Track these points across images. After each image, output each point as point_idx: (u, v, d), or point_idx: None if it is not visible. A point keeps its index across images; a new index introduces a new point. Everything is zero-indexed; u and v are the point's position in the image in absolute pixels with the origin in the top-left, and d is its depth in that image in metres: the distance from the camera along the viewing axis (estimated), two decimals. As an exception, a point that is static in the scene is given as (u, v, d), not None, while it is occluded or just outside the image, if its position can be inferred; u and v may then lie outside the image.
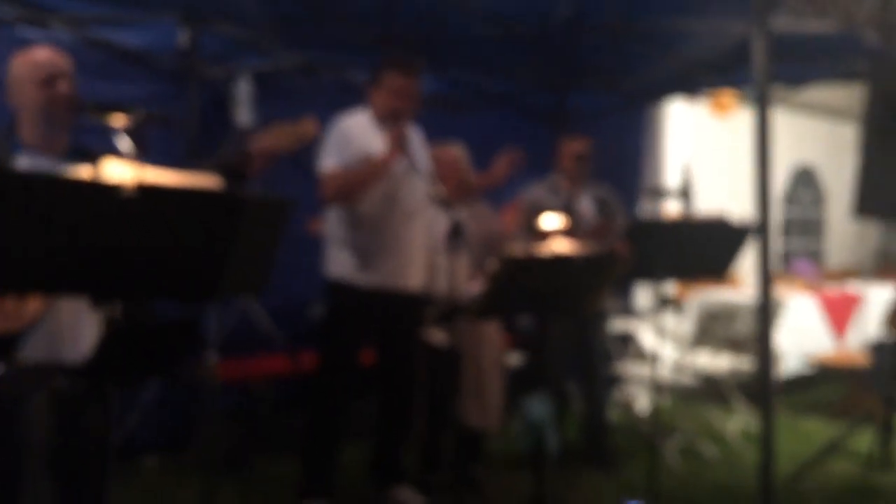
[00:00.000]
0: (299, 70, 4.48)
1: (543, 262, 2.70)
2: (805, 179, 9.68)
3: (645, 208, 5.56)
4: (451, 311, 2.68)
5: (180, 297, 1.78)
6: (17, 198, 1.54)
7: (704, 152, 6.17)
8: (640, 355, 5.24)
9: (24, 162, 2.35)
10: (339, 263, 3.45)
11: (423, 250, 3.54)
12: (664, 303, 3.19)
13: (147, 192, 1.60)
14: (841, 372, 5.81)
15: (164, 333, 1.89)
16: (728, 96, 6.08)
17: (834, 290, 6.50)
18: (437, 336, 3.62)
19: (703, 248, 3.36)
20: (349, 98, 3.66)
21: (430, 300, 2.92)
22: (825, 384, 6.06)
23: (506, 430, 4.04)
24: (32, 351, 2.22)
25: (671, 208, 4.82)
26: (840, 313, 6.22)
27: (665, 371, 5.15)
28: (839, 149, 9.04)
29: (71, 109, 2.38)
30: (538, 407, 2.76)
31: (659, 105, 5.82)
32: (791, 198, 9.52)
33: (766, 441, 3.08)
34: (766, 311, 3.06)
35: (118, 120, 1.90)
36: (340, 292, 3.45)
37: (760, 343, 3.09)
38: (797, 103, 8.36)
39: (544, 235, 3.43)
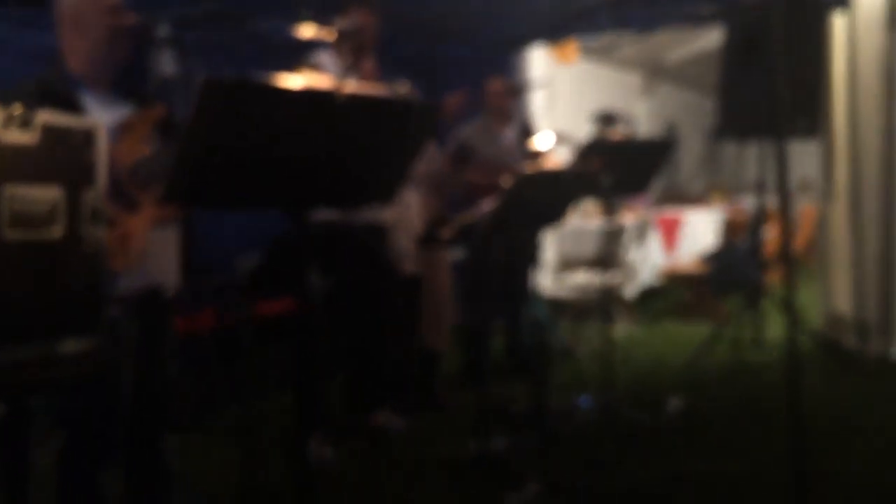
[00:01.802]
0: (218, 20, 4.40)
1: (547, 176, 3.05)
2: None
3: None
4: (469, 227, 2.95)
5: (356, 202, 1.92)
6: (238, 104, 1.58)
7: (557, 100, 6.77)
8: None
9: (82, 97, 2.29)
10: None
11: None
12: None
13: (356, 100, 1.74)
14: (683, 281, 6.74)
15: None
16: (572, 45, 6.69)
17: (662, 214, 7.44)
18: (402, 264, 3.85)
19: (637, 165, 3.86)
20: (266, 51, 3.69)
21: (444, 220, 3.16)
22: (670, 292, 6.99)
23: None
24: (128, 283, 2.22)
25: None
26: (670, 233, 7.17)
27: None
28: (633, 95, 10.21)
29: (134, 40, 2.36)
30: (541, 307, 3.10)
31: (521, 53, 6.31)
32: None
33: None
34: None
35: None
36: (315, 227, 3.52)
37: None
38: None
39: (534, 155, 3.77)
